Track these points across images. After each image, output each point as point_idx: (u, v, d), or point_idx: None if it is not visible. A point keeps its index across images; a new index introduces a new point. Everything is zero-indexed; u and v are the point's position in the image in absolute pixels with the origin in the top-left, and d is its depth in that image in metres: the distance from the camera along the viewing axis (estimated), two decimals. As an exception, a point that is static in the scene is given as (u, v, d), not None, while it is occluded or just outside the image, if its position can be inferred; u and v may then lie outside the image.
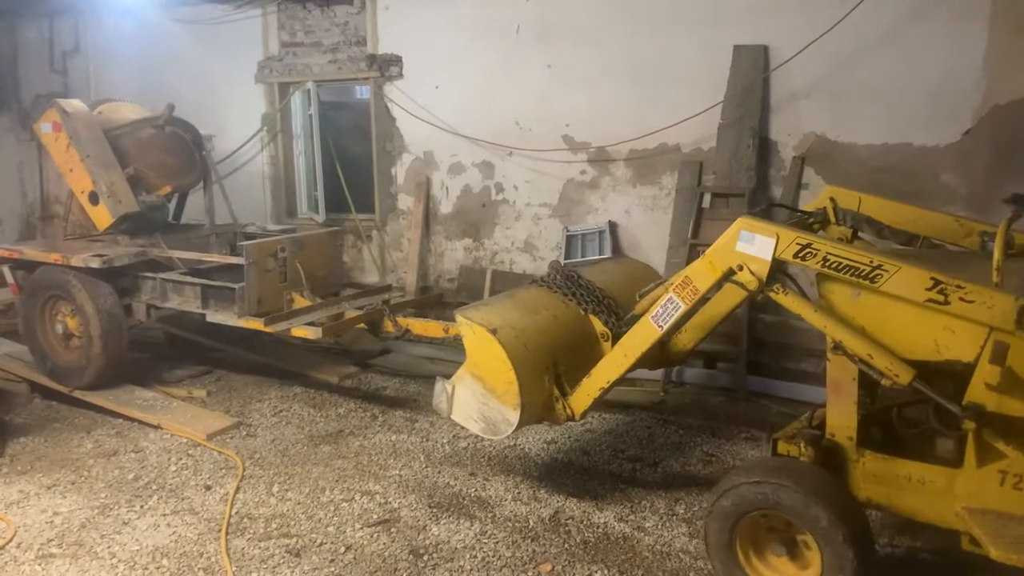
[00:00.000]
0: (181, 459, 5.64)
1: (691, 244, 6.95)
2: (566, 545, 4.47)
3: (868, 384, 3.71)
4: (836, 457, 3.79)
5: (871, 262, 3.46)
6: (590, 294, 4.97)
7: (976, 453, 3.42)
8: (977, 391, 3.36)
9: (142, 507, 4.95)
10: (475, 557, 4.36)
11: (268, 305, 6.40)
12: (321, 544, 4.51)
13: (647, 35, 7.47)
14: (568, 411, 4.54)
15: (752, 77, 6.98)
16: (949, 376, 3.50)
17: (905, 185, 6.38)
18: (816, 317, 3.67)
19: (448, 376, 4.72)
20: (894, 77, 6.54)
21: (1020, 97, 6.15)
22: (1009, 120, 6.20)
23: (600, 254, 7.61)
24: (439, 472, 5.41)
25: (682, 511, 4.84)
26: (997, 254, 3.25)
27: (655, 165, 7.63)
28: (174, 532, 4.65)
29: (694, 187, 7.29)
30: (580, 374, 4.54)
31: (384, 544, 4.50)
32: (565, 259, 7.72)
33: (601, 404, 4.69)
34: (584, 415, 4.58)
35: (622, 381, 4.49)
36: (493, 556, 4.37)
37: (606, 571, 4.22)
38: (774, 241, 3.66)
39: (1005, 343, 3.21)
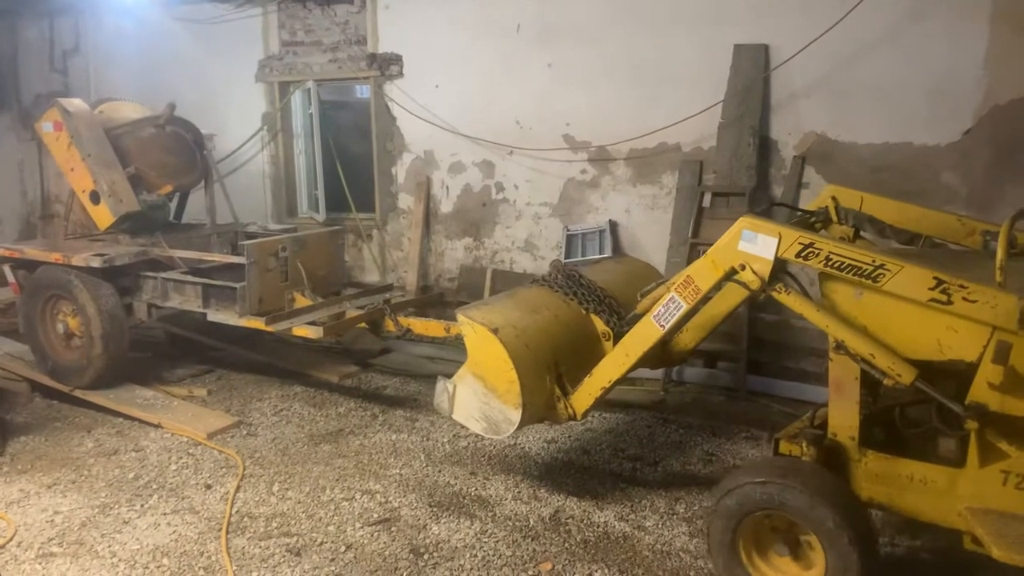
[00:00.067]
0: (181, 458, 5.64)
1: (691, 243, 6.95)
2: (566, 544, 4.47)
3: (870, 384, 3.71)
4: (838, 457, 3.79)
5: (873, 261, 3.46)
6: (591, 293, 4.97)
7: (979, 453, 3.42)
8: (980, 391, 3.36)
9: (142, 506, 4.95)
10: (475, 556, 4.36)
11: (269, 304, 6.40)
12: (321, 543, 4.50)
13: (647, 34, 7.46)
14: (570, 410, 4.54)
15: (752, 76, 6.98)
16: (952, 376, 3.50)
17: (905, 184, 6.37)
18: (818, 317, 3.67)
19: (449, 375, 4.73)
20: (894, 76, 6.54)
21: (1021, 96, 6.15)
22: (1010, 120, 6.20)
23: (600, 253, 7.61)
24: (439, 471, 5.40)
25: (682, 510, 4.84)
26: (1000, 253, 3.25)
27: (655, 164, 7.63)
28: (174, 531, 4.64)
29: (694, 186, 7.29)
30: (581, 373, 4.54)
31: (384, 543, 4.50)
32: (565, 258, 7.73)
33: (602, 403, 4.68)
34: (586, 414, 4.58)
35: (623, 380, 4.49)
36: (493, 555, 4.37)
37: (606, 570, 4.22)
38: (776, 240, 3.66)
39: (1008, 343, 3.21)
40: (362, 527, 4.67)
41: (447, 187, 8.74)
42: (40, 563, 4.32)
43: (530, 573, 4.21)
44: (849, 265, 3.51)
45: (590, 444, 5.82)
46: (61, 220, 8.15)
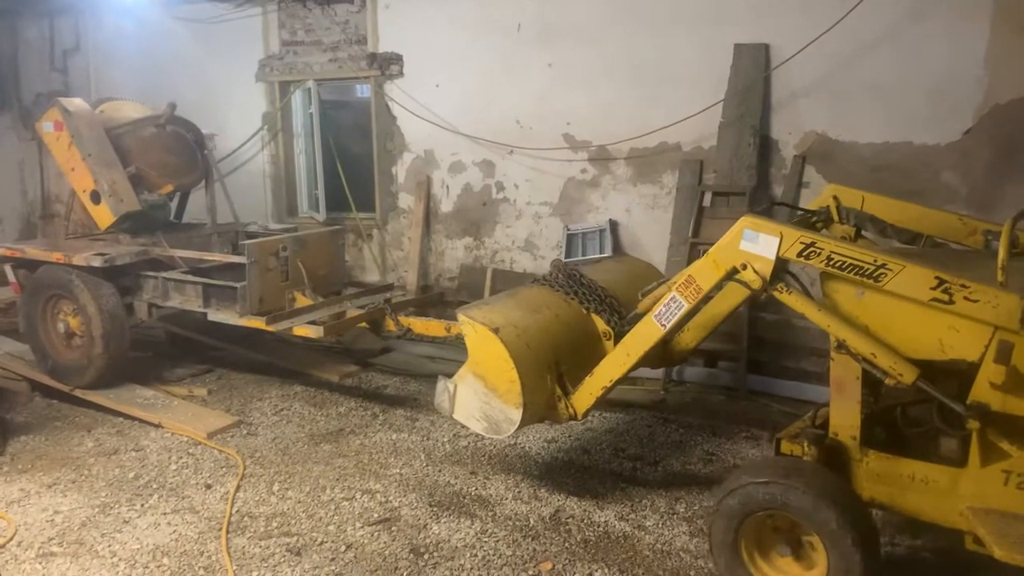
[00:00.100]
0: (182, 458, 5.64)
1: (692, 243, 6.95)
2: (567, 544, 4.47)
3: (872, 383, 3.71)
4: (839, 456, 3.79)
5: (875, 261, 3.46)
6: (592, 293, 4.97)
7: (980, 453, 3.42)
8: (981, 390, 3.36)
9: (143, 506, 4.95)
10: (476, 556, 4.35)
11: (270, 304, 6.40)
12: (322, 543, 4.50)
13: (648, 34, 7.46)
14: (570, 410, 4.54)
15: (753, 76, 6.98)
16: (953, 375, 3.50)
17: (905, 184, 6.37)
18: (820, 316, 3.67)
19: (450, 375, 4.72)
20: (895, 76, 6.54)
21: (1021, 96, 6.15)
22: (1010, 119, 6.20)
23: (600, 253, 7.61)
24: (440, 471, 5.40)
25: (683, 510, 4.84)
26: (1002, 253, 3.25)
27: (656, 164, 7.63)
28: (175, 531, 4.64)
29: (695, 186, 7.29)
30: (582, 373, 4.54)
31: (385, 543, 4.49)
32: (565, 258, 7.73)
33: (602, 403, 4.67)
34: (586, 414, 4.58)
35: (624, 380, 4.49)
36: (494, 555, 4.37)
37: (606, 570, 4.22)
38: (778, 240, 3.65)
39: (1010, 342, 3.21)
40: (362, 527, 4.67)
41: (447, 186, 8.74)
42: (40, 562, 4.31)
43: (530, 573, 4.21)
44: (851, 265, 3.51)
45: (590, 444, 5.81)
46: (61, 220, 8.15)
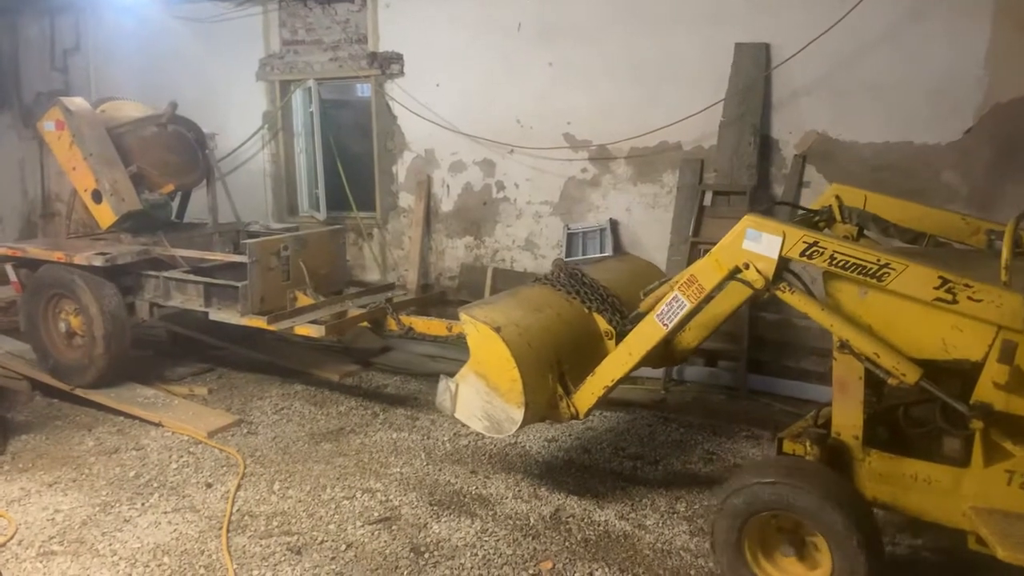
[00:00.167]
0: (182, 457, 5.63)
1: (692, 242, 6.95)
2: (567, 543, 4.47)
3: (874, 383, 3.70)
4: (842, 456, 3.78)
5: (878, 260, 3.45)
6: (594, 292, 4.97)
7: (983, 452, 3.42)
8: (985, 390, 3.35)
9: (143, 505, 4.94)
10: (476, 555, 4.35)
11: (271, 303, 6.40)
12: (322, 542, 4.50)
13: (648, 33, 7.46)
14: (572, 409, 4.54)
15: (753, 75, 6.97)
16: (956, 375, 3.49)
17: (906, 183, 6.36)
18: (823, 316, 3.66)
19: (451, 374, 4.72)
20: (895, 75, 6.54)
21: (1022, 95, 6.15)
22: (1011, 118, 6.20)
23: (601, 252, 7.60)
24: (440, 470, 5.40)
25: (683, 509, 4.84)
26: (1006, 252, 3.24)
27: (656, 163, 7.62)
28: (175, 530, 4.64)
29: (695, 185, 7.28)
30: (584, 372, 4.54)
31: (385, 542, 4.49)
32: (566, 257, 7.72)
33: (603, 402, 4.67)
34: (588, 413, 4.57)
35: (626, 379, 4.48)
36: (494, 554, 4.36)
37: (607, 569, 4.22)
38: (781, 239, 3.65)
39: (1013, 342, 3.21)
40: (363, 526, 4.67)
41: (448, 186, 8.73)
42: (41, 561, 4.31)
43: (531, 572, 4.21)
44: (854, 264, 3.51)
45: (591, 443, 5.81)
46: (62, 219, 8.15)
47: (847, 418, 3.76)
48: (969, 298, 3.28)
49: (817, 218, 4.51)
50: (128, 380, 6.80)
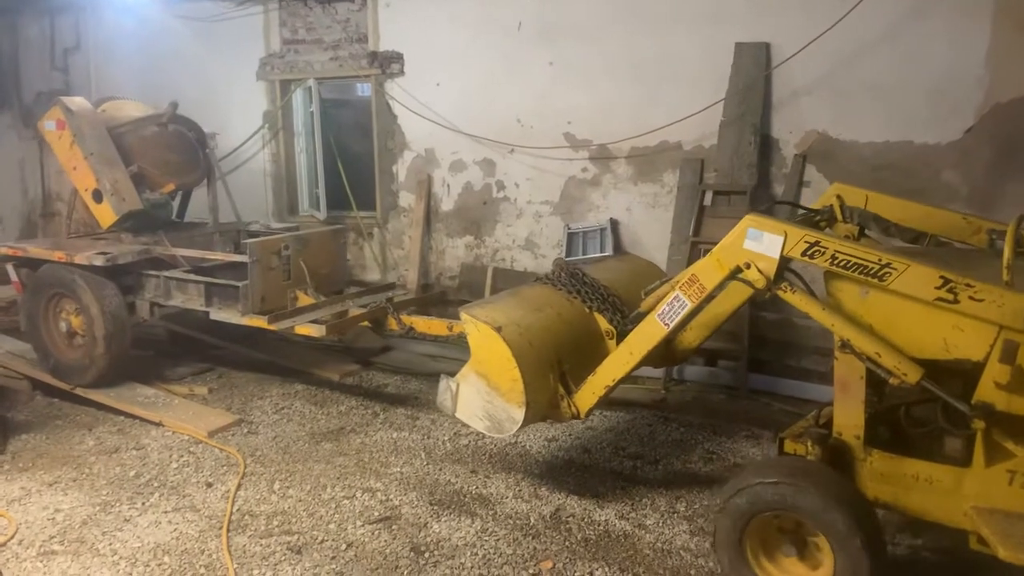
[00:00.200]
0: (182, 456, 5.63)
1: (693, 242, 6.95)
2: (567, 543, 4.46)
3: (876, 383, 3.70)
4: (843, 456, 3.78)
5: (880, 260, 3.45)
6: (595, 292, 4.96)
7: (985, 452, 3.42)
8: (986, 390, 3.35)
9: (143, 504, 4.94)
10: (476, 554, 4.35)
11: (272, 303, 6.40)
12: (322, 541, 4.49)
13: (648, 33, 7.46)
14: (573, 409, 4.54)
15: (754, 75, 6.97)
16: (958, 375, 3.49)
17: (906, 183, 6.36)
18: (824, 315, 3.66)
19: (451, 374, 4.72)
20: (895, 75, 6.54)
21: (1022, 95, 6.15)
22: (1011, 118, 6.20)
23: (601, 252, 7.60)
24: (440, 469, 5.40)
25: (683, 509, 4.83)
26: (1007, 252, 3.24)
27: (656, 163, 7.62)
28: (175, 529, 4.63)
29: (695, 184, 7.28)
30: (585, 372, 4.53)
31: (385, 541, 4.49)
32: (566, 256, 7.71)
33: (604, 402, 4.67)
34: (589, 413, 4.57)
35: (627, 379, 4.48)
36: (494, 553, 4.36)
37: (607, 569, 4.21)
38: (782, 239, 3.65)
39: (1015, 342, 3.21)
40: (363, 525, 4.66)
41: (448, 185, 8.73)
42: (41, 561, 4.31)
43: (531, 571, 4.20)
44: (855, 264, 3.50)
45: (591, 442, 5.81)
46: (63, 218, 8.14)
47: (848, 418, 3.75)
48: (971, 298, 3.28)
49: (818, 218, 4.50)
50: (128, 380, 6.80)
